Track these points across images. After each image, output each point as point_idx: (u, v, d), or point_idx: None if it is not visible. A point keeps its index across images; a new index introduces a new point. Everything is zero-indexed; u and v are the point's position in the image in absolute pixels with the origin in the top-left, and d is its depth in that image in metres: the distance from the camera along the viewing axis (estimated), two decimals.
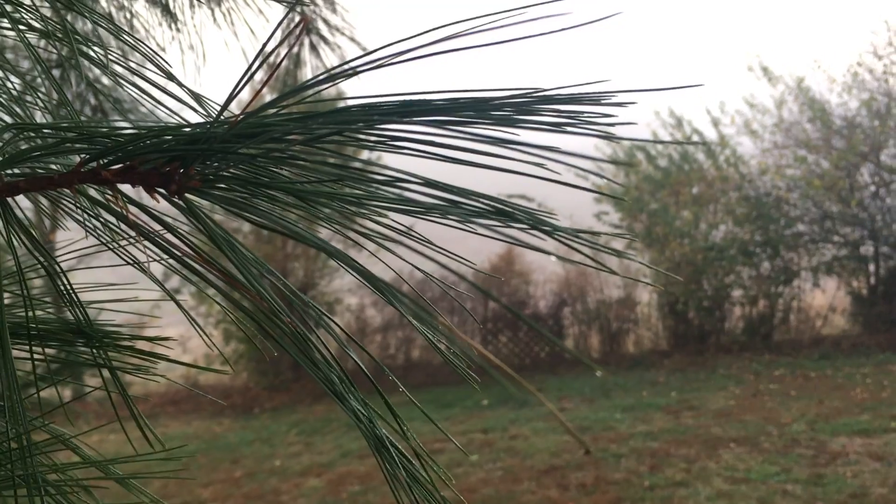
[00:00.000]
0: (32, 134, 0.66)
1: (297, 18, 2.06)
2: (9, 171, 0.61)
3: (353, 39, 2.52)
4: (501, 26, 0.52)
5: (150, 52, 0.92)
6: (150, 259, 0.66)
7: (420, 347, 10.91)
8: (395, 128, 0.53)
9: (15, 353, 0.70)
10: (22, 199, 0.73)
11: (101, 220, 0.72)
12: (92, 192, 0.68)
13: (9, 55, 1.22)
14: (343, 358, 0.68)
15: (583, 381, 9.38)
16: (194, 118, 0.84)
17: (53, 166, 0.66)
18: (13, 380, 0.63)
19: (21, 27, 0.87)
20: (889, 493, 4.96)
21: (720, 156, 11.32)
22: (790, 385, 8.43)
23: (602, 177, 0.53)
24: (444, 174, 0.56)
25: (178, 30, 1.80)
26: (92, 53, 0.93)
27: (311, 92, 0.56)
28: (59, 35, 0.89)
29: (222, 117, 0.57)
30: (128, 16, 1.75)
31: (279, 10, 1.88)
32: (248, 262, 0.58)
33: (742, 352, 10.41)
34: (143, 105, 0.96)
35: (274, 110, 0.56)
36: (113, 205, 0.63)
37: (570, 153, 0.51)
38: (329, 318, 0.64)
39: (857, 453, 5.81)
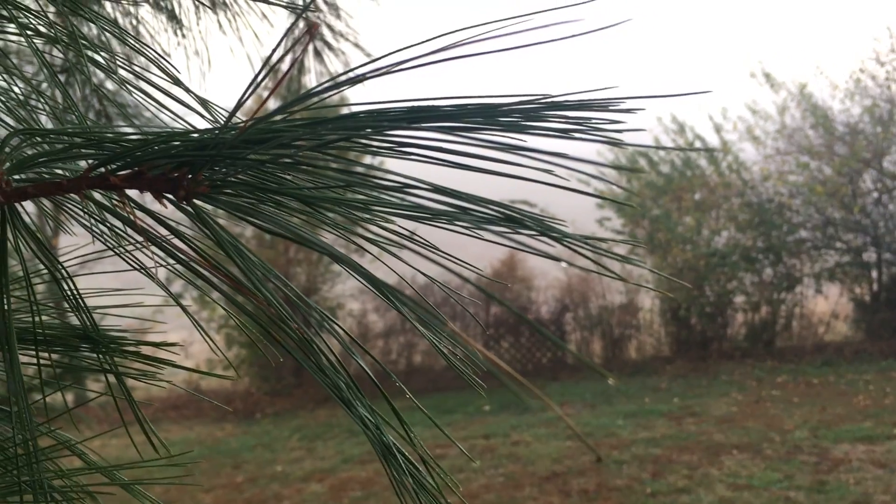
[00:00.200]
0: (39, 139, 0.66)
1: (303, 25, 2.07)
2: (16, 177, 0.61)
3: (357, 45, 2.53)
4: (508, 34, 0.52)
5: (157, 56, 0.93)
6: (157, 264, 0.66)
7: (422, 353, 10.90)
8: (403, 134, 0.53)
9: (20, 358, 0.70)
10: (26, 204, 0.73)
11: (108, 224, 0.72)
12: (98, 197, 0.68)
13: (12, 59, 1.22)
14: (347, 363, 0.68)
15: (584, 387, 9.36)
16: (200, 123, 0.84)
17: (60, 171, 0.66)
18: (20, 385, 0.62)
19: (28, 32, 0.87)
20: (892, 500, 4.95)
21: (723, 162, 11.31)
22: (793, 392, 8.41)
23: (608, 182, 0.52)
24: (447, 180, 0.55)
25: (183, 35, 1.81)
26: (98, 58, 0.93)
27: (316, 99, 0.56)
28: (66, 40, 0.89)
29: (230, 123, 0.57)
30: (133, 22, 1.75)
31: (284, 16, 1.88)
32: (254, 268, 0.58)
33: (744, 358, 10.38)
34: (149, 110, 0.96)
35: (281, 116, 0.56)
36: (120, 210, 0.63)
37: (579, 159, 0.51)
38: (335, 323, 0.64)
39: (860, 460, 5.79)
